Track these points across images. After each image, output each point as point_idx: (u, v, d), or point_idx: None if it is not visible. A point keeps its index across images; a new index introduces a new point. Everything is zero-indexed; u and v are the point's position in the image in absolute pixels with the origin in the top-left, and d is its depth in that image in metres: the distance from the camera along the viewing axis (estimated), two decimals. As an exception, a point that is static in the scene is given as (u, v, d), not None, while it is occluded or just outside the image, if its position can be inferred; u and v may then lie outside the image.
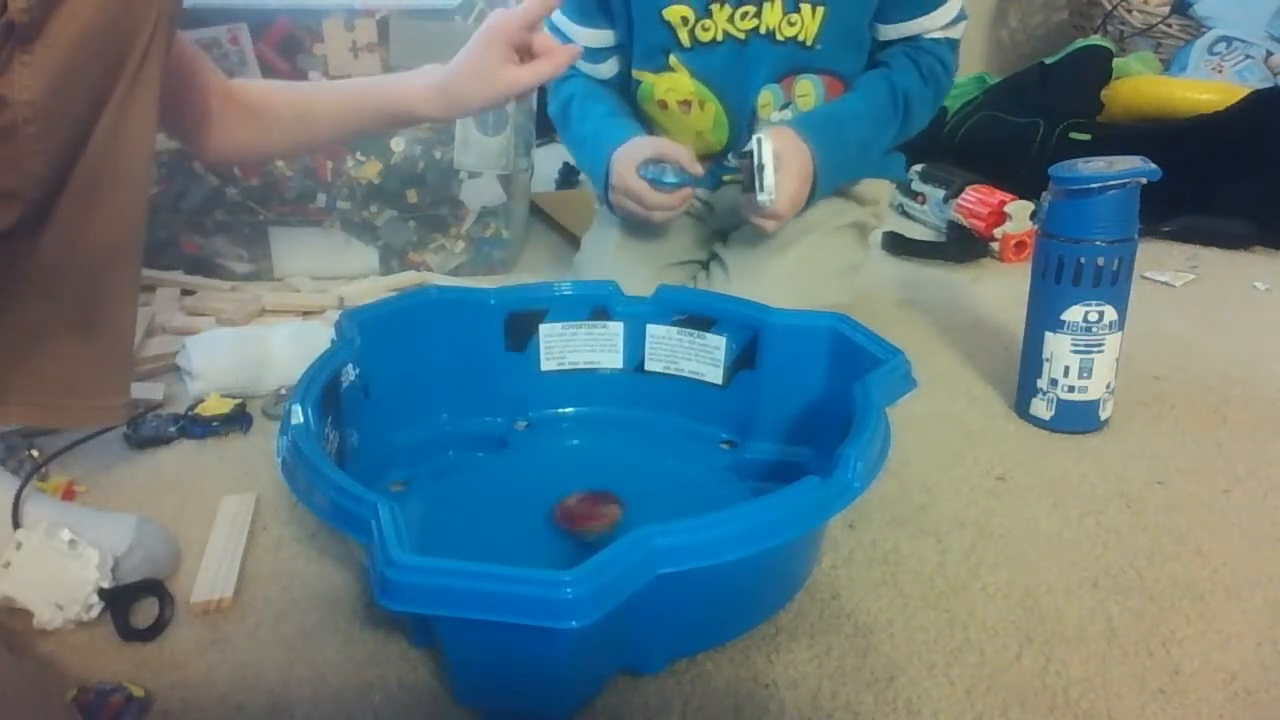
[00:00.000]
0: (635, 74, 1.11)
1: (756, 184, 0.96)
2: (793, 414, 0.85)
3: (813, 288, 1.05)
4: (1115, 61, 1.84)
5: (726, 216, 1.17)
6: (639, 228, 1.12)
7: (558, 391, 0.92)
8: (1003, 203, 1.47)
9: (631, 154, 1.02)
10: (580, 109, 1.11)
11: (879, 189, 1.20)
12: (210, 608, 0.69)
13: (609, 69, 1.14)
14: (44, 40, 0.55)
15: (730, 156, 1.09)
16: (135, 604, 0.68)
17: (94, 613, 0.67)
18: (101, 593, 0.67)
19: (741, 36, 1.05)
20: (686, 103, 1.10)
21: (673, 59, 1.08)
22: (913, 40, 1.08)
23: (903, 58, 1.08)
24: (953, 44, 1.10)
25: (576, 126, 1.11)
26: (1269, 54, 1.98)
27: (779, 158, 0.97)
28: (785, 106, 1.10)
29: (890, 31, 1.08)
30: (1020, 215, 1.45)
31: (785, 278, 1.05)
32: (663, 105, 1.11)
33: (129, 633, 0.66)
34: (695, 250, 1.17)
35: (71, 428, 0.86)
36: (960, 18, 1.08)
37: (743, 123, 1.10)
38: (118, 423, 0.74)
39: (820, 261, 1.09)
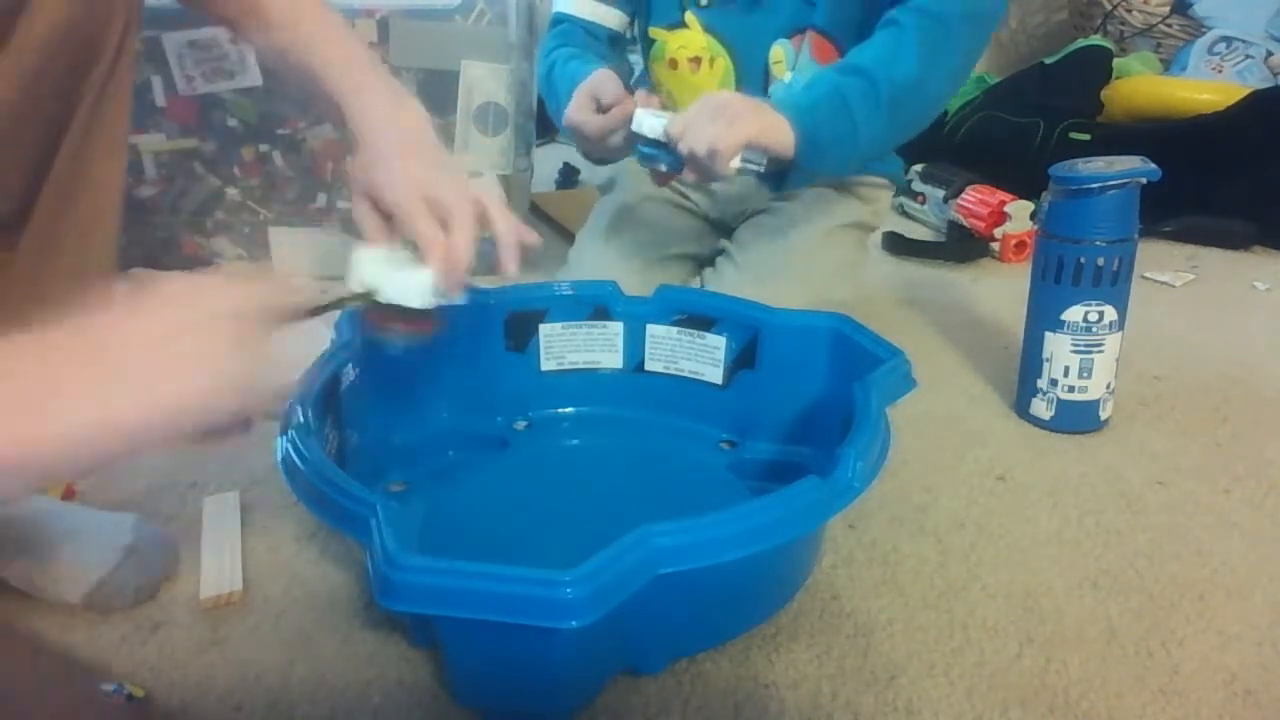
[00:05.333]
0: (651, 32, 1.12)
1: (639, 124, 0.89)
2: (793, 414, 0.85)
3: (822, 284, 1.05)
4: (1115, 61, 1.84)
5: (730, 205, 1.17)
6: (632, 218, 1.12)
7: (558, 391, 0.92)
8: (1003, 203, 1.47)
9: (586, 86, 0.99)
10: (561, 70, 1.11)
11: (879, 189, 1.20)
12: (221, 602, 0.70)
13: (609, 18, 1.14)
14: (13, 42, 0.54)
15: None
16: None
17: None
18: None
19: None
20: (696, 60, 1.11)
21: (688, 15, 1.08)
22: None
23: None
24: None
25: (556, 84, 1.10)
26: (1269, 54, 1.99)
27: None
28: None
29: None
30: (1020, 215, 1.46)
31: (797, 274, 1.05)
32: (673, 64, 1.12)
33: None
34: (692, 244, 1.17)
35: None
36: None
37: (752, 81, 1.10)
38: None
39: (829, 258, 1.09)
